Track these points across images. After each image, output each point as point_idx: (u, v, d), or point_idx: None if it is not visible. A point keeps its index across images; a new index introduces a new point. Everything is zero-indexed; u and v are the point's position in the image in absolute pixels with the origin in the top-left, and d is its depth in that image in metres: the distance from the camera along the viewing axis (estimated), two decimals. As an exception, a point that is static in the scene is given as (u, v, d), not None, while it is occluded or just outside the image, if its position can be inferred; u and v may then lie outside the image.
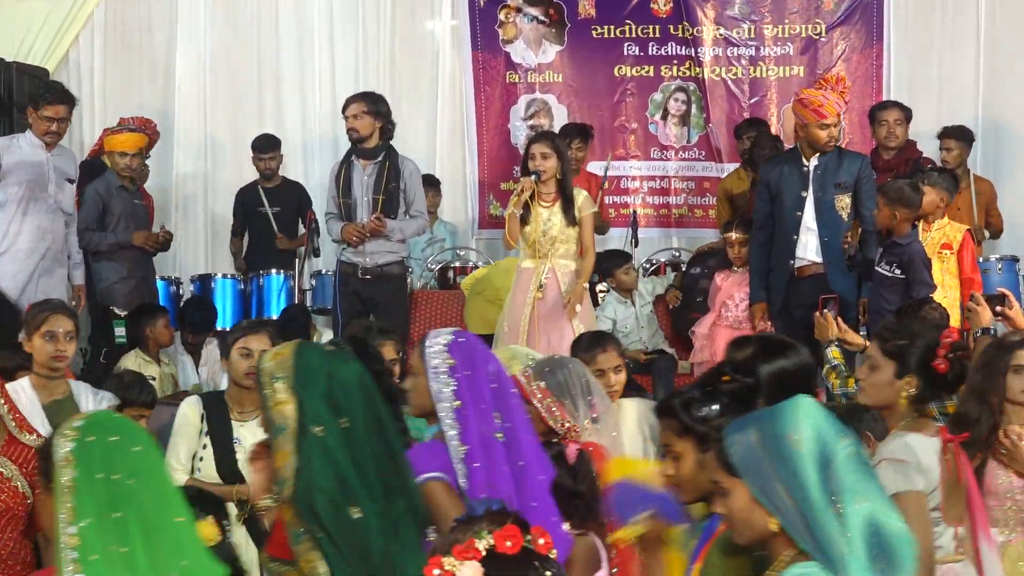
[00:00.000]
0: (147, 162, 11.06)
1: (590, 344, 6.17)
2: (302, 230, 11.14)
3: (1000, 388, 5.13)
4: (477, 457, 4.20)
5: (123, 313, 9.96)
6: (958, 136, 10.34)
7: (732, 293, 9.27)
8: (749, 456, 3.16)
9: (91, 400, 6.57)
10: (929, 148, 10.44)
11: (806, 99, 8.88)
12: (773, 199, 8.92)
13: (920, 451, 4.52)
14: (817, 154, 8.78)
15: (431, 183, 11.15)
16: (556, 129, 11.19)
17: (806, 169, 8.81)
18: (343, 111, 9.56)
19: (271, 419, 3.94)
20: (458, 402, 4.25)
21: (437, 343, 4.34)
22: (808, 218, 8.81)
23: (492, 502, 2.93)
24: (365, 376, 4.03)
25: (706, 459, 3.31)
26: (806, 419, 3.16)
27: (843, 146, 9.26)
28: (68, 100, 9.82)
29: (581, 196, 8.86)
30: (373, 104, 9.46)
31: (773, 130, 11.08)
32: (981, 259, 9.57)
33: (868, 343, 7.39)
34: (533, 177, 8.75)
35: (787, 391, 3.78)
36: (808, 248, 8.84)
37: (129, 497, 3.06)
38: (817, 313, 7.29)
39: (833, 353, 7.31)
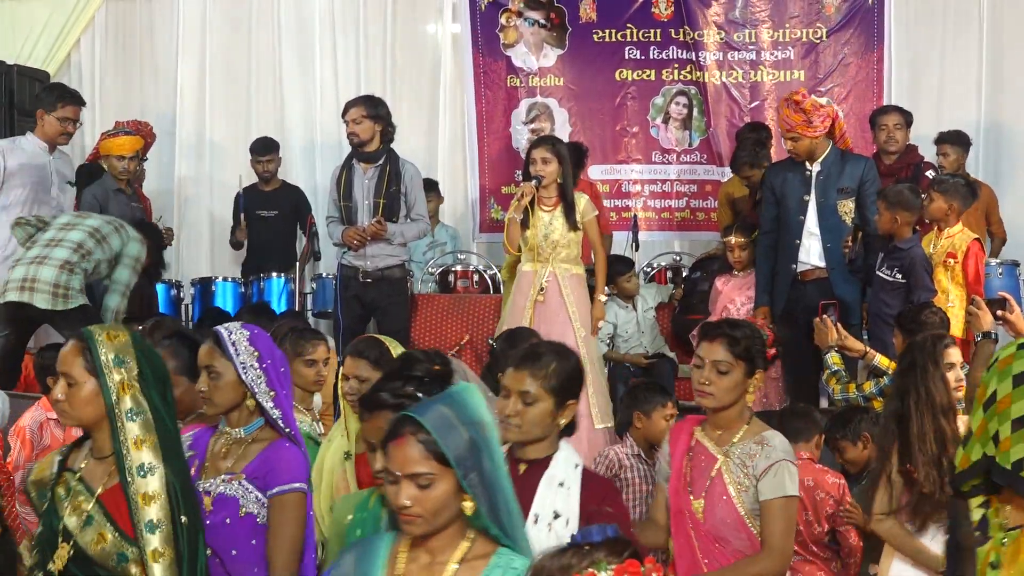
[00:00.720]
0: (146, 165, 11.09)
1: (521, 338, 6.27)
2: (300, 233, 11.15)
3: (938, 385, 5.21)
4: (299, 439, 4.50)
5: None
6: (954, 141, 10.34)
7: (733, 297, 9.26)
8: (463, 445, 3.19)
9: None
10: (931, 152, 10.43)
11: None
12: (778, 203, 8.92)
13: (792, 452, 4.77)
14: (819, 159, 8.77)
15: (432, 187, 11.15)
16: (557, 133, 11.23)
17: (808, 173, 8.80)
18: (343, 116, 9.56)
19: (124, 402, 3.98)
20: (272, 391, 4.45)
21: (240, 338, 4.46)
22: (811, 223, 8.79)
23: (608, 528, 2.91)
24: (167, 370, 4.17)
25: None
26: (482, 405, 3.26)
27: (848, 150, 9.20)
28: (81, 102, 9.94)
29: (583, 201, 8.88)
30: (373, 108, 9.46)
31: (773, 134, 11.07)
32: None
33: (868, 349, 7.46)
34: (534, 182, 8.77)
35: (575, 385, 4.26)
36: (811, 253, 8.82)
37: None
38: (817, 319, 7.29)
39: (833, 359, 7.34)
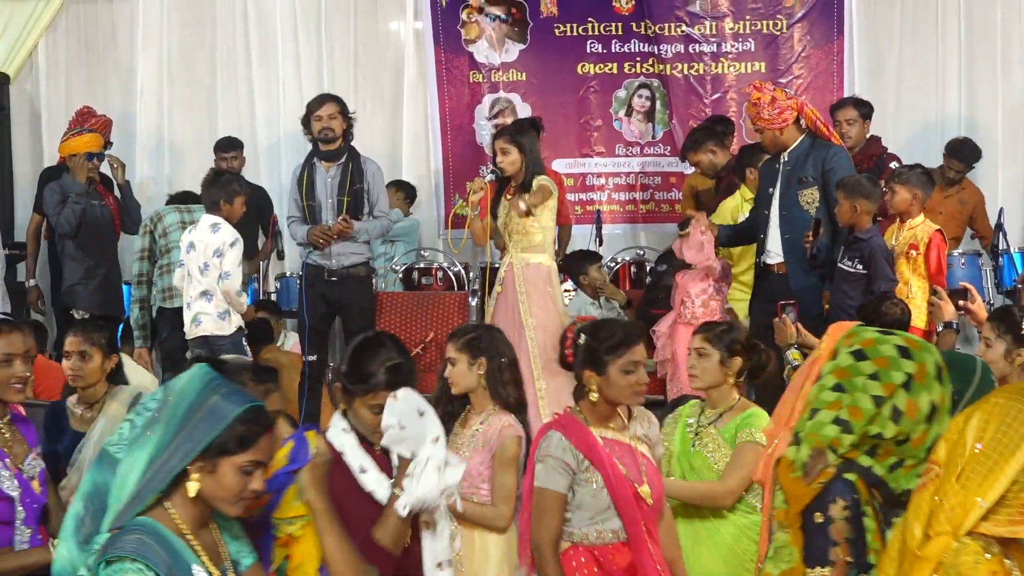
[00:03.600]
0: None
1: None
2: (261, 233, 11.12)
3: None
4: None
5: (84, 316, 9.96)
6: (962, 157, 10.44)
7: (688, 290, 9.19)
8: None
9: None
10: (894, 144, 10.45)
11: None
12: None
13: None
14: (790, 149, 8.75)
15: (402, 187, 11.25)
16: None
17: (777, 166, 8.80)
18: (315, 111, 9.49)
19: None
20: None
21: None
22: (774, 214, 8.80)
23: None
24: None
25: None
26: None
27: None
28: None
29: (537, 182, 8.71)
30: (343, 105, 9.51)
31: (735, 126, 11.08)
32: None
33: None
34: (490, 176, 8.77)
35: None
36: (774, 244, 8.82)
37: None
38: (776, 319, 7.31)
39: (793, 355, 7.36)
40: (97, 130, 10.74)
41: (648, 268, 10.88)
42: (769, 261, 8.85)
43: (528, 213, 8.60)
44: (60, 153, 10.36)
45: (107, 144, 11.12)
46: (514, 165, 8.70)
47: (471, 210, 8.77)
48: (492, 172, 8.74)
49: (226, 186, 8.95)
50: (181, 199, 10.32)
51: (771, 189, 8.79)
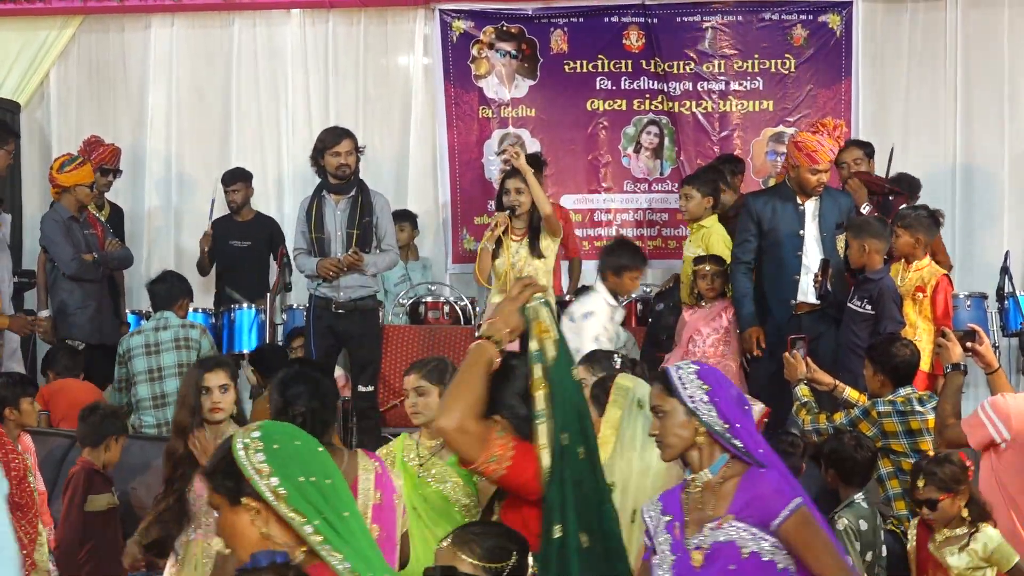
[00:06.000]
0: (118, 197, 11.15)
1: None
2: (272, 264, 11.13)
3: None
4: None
5: (80, 346, 9.97)
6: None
7: (699, 328, 9.15)
8: None
9: None
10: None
11: (801, 143, 8.84)
12: (762, 235, 8.89)
13: None
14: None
15: (408, 218, 11.26)
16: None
17: (801, 208, 8.79)
18: (333, 147, 9.48)
19: None
20: (727, 424, 4.28)
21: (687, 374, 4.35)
22: (813, 256, 8.77)
23: (277, 555, 2.94)
24: None
25: None
26: None
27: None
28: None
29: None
30: (356, 140, 9.55)
31: (744, 164, 11.09)
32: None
33: (837, 382, 7.48)
34: (507, 212, 8.78)
35: None
36: (809, 287, 8.79)
37: (337, 496, 3.15)
38: (786, 353, 7.32)
39: (802, 391, 7.37)
40: (105, 159, 10.84)
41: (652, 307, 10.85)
42: (802, 299, 8.82)
43: (539, 255, 8.63)
44: (64, 183, 10.25)
45: (117, 171, 11.16)
46: (527, 205, 8.75)
47: (489, 244, 8.81)
48: (508, 209, 8.77)
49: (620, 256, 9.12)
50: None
51: (801, 231, 8.78)
